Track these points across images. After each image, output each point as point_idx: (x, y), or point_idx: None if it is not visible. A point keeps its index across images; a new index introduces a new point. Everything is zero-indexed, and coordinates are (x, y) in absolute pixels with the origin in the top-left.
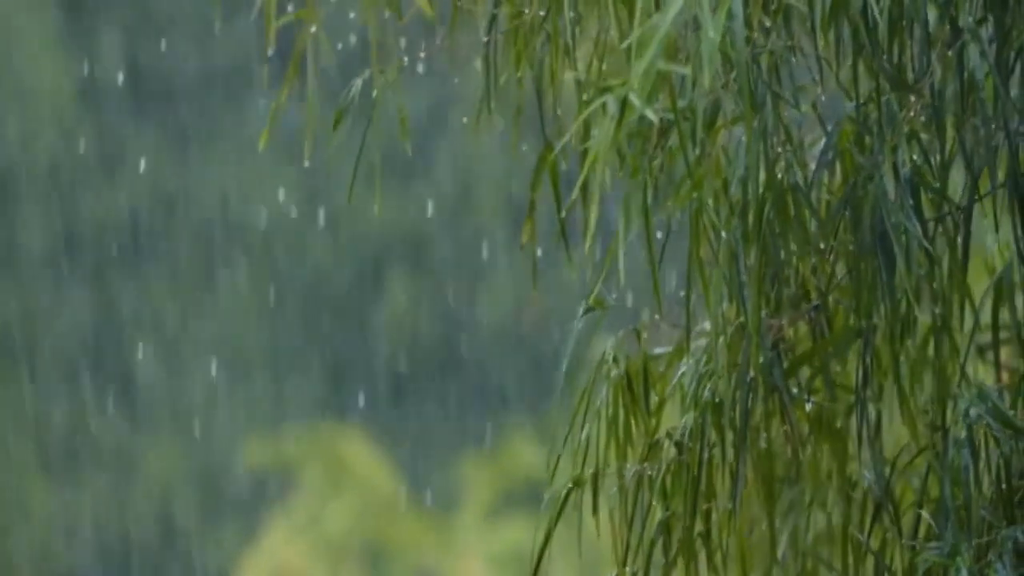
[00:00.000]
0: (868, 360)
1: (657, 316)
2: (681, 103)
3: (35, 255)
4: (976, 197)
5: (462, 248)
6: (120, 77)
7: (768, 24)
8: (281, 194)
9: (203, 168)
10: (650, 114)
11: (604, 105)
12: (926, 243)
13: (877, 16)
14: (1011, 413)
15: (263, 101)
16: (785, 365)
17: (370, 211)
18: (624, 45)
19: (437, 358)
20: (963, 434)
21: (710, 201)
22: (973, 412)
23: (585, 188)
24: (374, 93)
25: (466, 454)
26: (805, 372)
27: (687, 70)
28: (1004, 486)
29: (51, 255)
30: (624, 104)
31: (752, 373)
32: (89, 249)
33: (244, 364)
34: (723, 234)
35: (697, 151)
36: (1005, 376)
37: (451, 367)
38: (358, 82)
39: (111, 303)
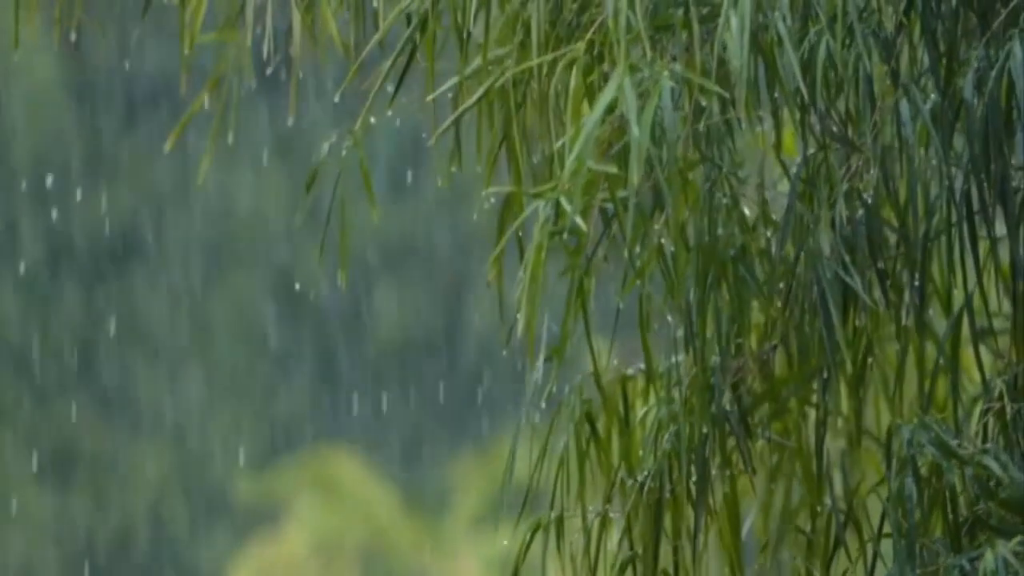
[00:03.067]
0: (826, 399)
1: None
2: (622, 193)
3: (29, 259)
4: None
5: (451, 256)
6: (112, 77)
7: (704, 103)
8: (273, 201)
9: (196, 173)
10: (579, 221)
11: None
12: (866, 296)
13: (803, 88)
14: (955, 443)
15: (258, 106)
16: (746, 404)
17: (358, 221)
18: (557, 145)
19: (428, 364)
20: (907, 464)
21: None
22: (916, 442)
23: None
24: (343, 152)
25: (458, 460)
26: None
27: (614, 169)
28: (951, 514)
29: (45, 260)
30: (557, 208)
31: (706, 420)
32: (82, 255)
33: (236, 372)
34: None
35: (639, 239)
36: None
37: (442, 373)
38: (326, 145)
39: (104, 309)
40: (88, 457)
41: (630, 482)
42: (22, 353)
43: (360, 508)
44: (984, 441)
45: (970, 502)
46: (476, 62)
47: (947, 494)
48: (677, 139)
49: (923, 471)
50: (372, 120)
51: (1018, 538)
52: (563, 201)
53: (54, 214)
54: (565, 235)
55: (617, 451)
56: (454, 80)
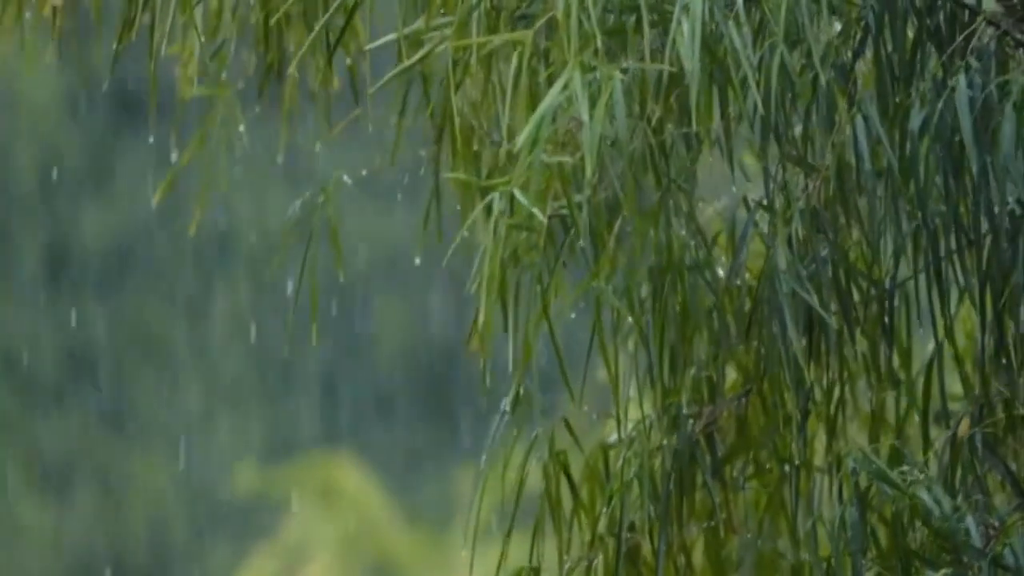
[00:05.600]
0: (802, 444)
1: (586, 406)
2: (579, 197)
3: (27, 273)
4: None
5: (449, 267)
6: (109, 90)
7: (659, 113)
8: (273, 210)
9: (192, 185)
10: (537, 212)
11: (490, 204)
12: (821, 310)
13: (757, 97)
14: (895, 473)
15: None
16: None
17: (362, 231)
18: (507, 144)
19: (429, 373)
20: (851, 493)
21: (610, 289)
22: (863, 472)
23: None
24: (320, 196)
25: (459, 472)
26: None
27: (569, 159)
28: (899, 541)
29: (43, 273)
30: (512, 202)
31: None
32: (81, 267)
33: (234, 385)
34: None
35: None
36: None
37: (442, 383)
38: (298, 203)
39: (103, 319)
40: (89, 467)
41: (602, 526)
42: (22, 364)
43: (362, 518)
44: (952, 470)
45: (903, 532)
46: (417, 23)
47: (897, 524)
48: (633, 129)
49: (874, 502)
50: (346, 179)
51: (944, 570)
52: (518, 194)
53: (53, 224)
54: (524, 233)
55: (595, 501)
56: (391, 36)
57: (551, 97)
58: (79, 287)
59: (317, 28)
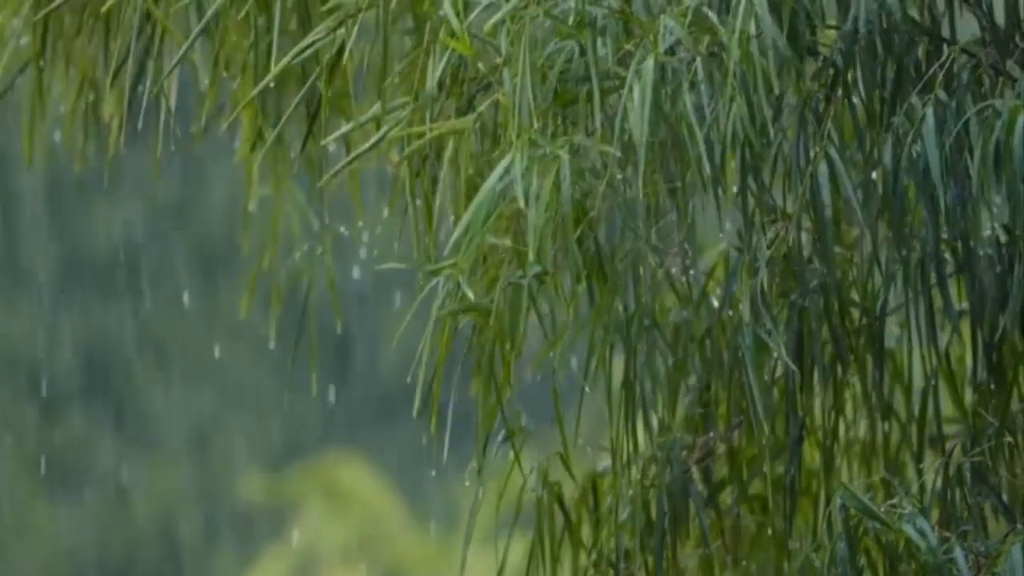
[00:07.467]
0: (794, 473)
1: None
2: (537, 269)
3: (37, 276)
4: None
5: None
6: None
7: (620, 176)
8: (284, 214)
9: (204, 190)
10: (469, 293)
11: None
12: (788, 360)
13: (705, 163)
14: (885, 505)
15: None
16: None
17: (368, 232)
18: (456, 226)
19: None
20: (839, 527)
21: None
22: (851, 508)
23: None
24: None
25: (465, 476)
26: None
27: (508, 242)
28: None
29: (52, 276)
30: (456, 287)
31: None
32: (90, 270)
33: (243, 388)
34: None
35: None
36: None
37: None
38: (295, 255)
39: (113, 322)
40: (98, 470)
41: (595, 557)
42: (30, 366)
43: (371, 522)
44: (944, 499)
45: (894, 566)
46: (374, 109)
47: (888, 558)
48: (586, 214)
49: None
50: (343, 231)
51: None
52: (462, 281)
53: (63, 228)
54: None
55: (588, 533)
56: (349, 126)
57: (492, 181)
58: (89, 290)
59: (287, 113)
